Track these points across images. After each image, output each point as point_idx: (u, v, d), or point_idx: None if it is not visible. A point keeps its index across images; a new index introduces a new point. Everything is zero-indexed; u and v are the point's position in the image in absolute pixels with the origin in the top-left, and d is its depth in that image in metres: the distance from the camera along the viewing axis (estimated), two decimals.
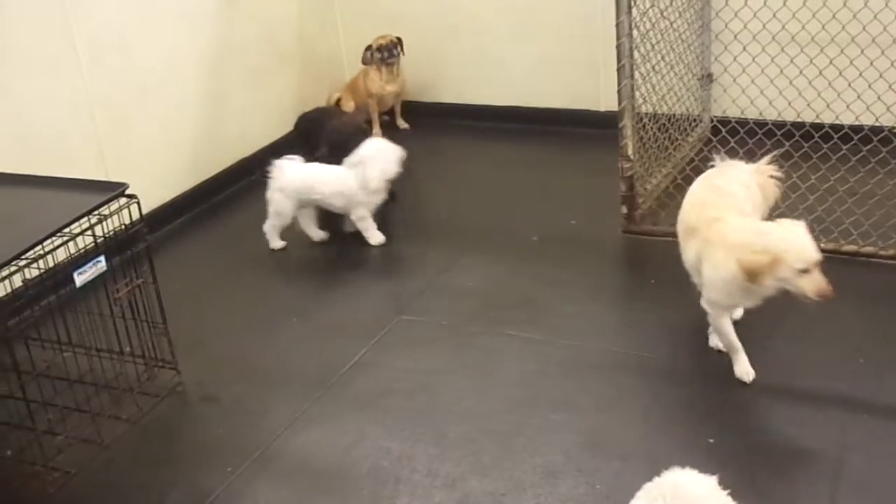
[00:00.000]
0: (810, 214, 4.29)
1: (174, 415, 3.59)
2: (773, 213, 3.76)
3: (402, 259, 4.63)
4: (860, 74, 4.44)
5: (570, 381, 3.54)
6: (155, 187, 4.95)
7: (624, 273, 4.52)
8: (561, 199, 5.07)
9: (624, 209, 4.56)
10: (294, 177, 4.65)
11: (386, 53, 5.91)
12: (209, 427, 3.50)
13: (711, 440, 3.08)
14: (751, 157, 4.50)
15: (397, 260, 4.63)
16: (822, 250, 4.12)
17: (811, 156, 4.48)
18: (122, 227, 3.39)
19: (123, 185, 3.38)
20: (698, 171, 4.82)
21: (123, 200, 3.37)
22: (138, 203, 3.40)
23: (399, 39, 5.94)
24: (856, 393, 3.29)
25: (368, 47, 5.94)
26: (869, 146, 4.33)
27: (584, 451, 3.14)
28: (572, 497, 2.94)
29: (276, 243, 4.78)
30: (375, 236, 4.76)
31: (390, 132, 6.15)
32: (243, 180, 5.59)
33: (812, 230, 4.19)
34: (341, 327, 4.05)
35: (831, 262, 4.10)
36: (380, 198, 4.72)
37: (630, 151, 4.46)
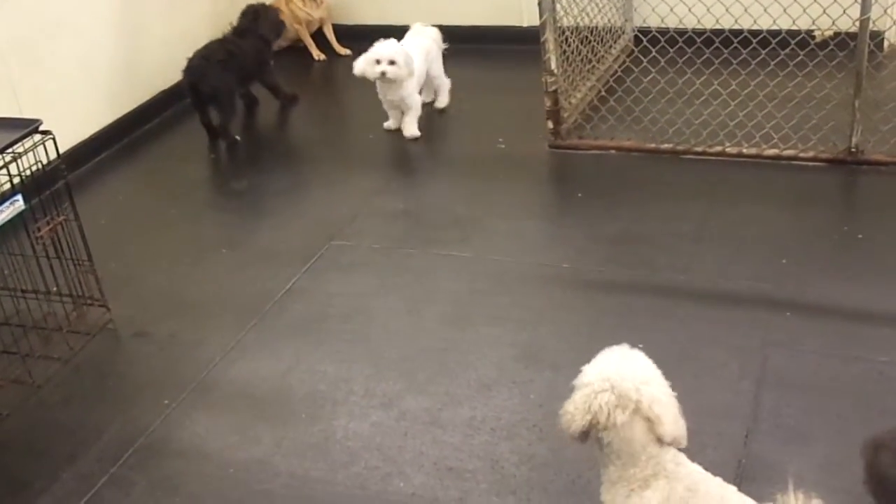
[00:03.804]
0: (732, 120, 4.36)
1: (106, 352, 3.55)
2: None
3: (331, 184, 4.59)
4: None
5: (502, 297, 3.58)
6: (73, 123, 4.81)
7: (552, 188, 4.54)
8: (488, 117, 5.05)
9: (549, 124, 4.56)
10: None
11: None
12: (143, 362, 3.48)
13: (640, 346, 3.13)
14: (672, 65, 4.55)
15: (327, 185, 4.59)
16: (745, 155, 4.25)
17: (731, 62, 4.52)
18: (39, 164, 3.29)
19: (37, 122, 3.27)
20: (622, 83, 4.88)
21: (38, 137, 3.27)
22: (54, 139, 3.30)
23: None
24: (779, 292, 3.38)
25: None
26: (787, 49, 4.38)
27: (518, 364, 3.19)
28: (507, 408, 3.00)
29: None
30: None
31: (330, 57, 6.09)
32: (165, 113, 5.47)
33: (734, 136, 4.31)
34: (272, 255, 4.02)
35: (754, 166, 4.22)
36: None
37: (553, 65, 4.44)
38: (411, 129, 4.90)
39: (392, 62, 4.66)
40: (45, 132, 3.29)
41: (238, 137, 5.15)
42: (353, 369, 3.28)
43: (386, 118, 5.00)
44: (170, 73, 5.39)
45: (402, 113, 4.90)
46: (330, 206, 4.41)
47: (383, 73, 4.66)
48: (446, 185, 4.51)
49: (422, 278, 3.77)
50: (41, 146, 3.28)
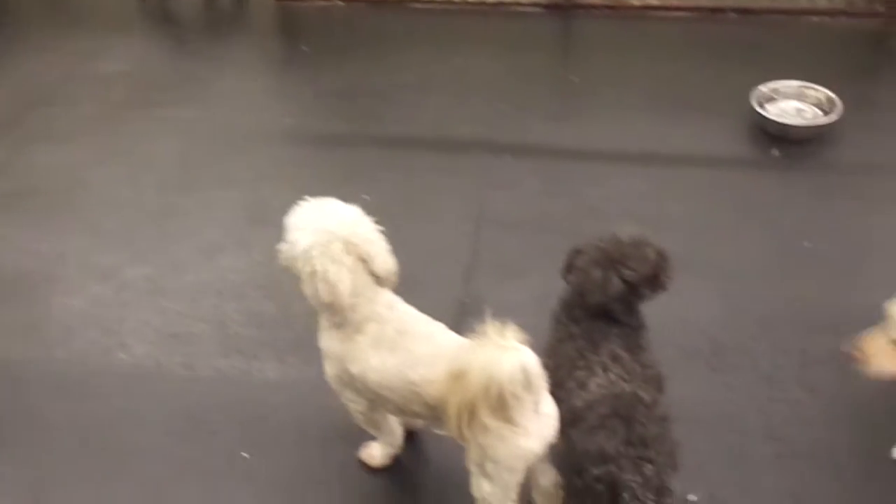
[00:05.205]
0: None
1: None
2: None
3: (41, 47, 4.20)
4: None
5: (227, 157, 3.46)
6: None
7: (277, 43, 4.37)
8: None
9: None
10: None
11: None
12: None
13: (366, 197, 3.12)
14: None
15: (35, 48, 4.19)
16: (469, 2, 4.25)
17: None
18: None
19: None
20: None
21: None
22: None
23: None
24: (499, 137, 3.46)
25: None
26: None
27: (243, 225, 3.11)
28: (231, 268, 2.93)
29: None
30: None
31: None
32: None
33: None
34: None
35: (478, 14, 4.24)
36: None
37: None
38: None
39: None
40: None
41: None
42: (67, 244, 3.08)
43: None
44: None
45: None
46: (39, 70, 4.04)
47: None
48: (167, 45, 4.26)
49: (142, 143, 3.57)
50: None
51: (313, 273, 1.97)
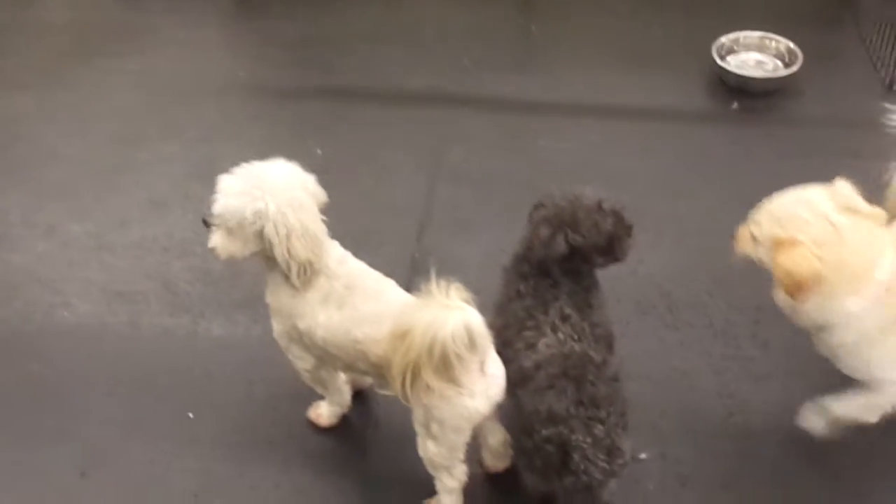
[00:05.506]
0: None
1: None
2: None
3: None
4: None
5: (178, 111, 3.36)
6: None
7: None
8: None
9: None
10: None
11: None
12: None
13: (319, 151, 3.07)
14: None
15: None
16: None
17: None
18: None
19: None
20: None
21: None
22: None
23: None
24: (457, 90, 3.39)
25: None
26: None
27: (192, 180, 3.02)
28: (179, 224, 2.86)
29: None
30: None
31: None
32: None
33: None
34: None
35: None
36: None
37: None
38: None
39: None
40: None
41: None
42: (10, 200, 2.99)
43: None
44: None
45: None
46: None
47: None
48: None
49: (90, 96, 3.47)
50: None
51: (289, 233, 1.90)
